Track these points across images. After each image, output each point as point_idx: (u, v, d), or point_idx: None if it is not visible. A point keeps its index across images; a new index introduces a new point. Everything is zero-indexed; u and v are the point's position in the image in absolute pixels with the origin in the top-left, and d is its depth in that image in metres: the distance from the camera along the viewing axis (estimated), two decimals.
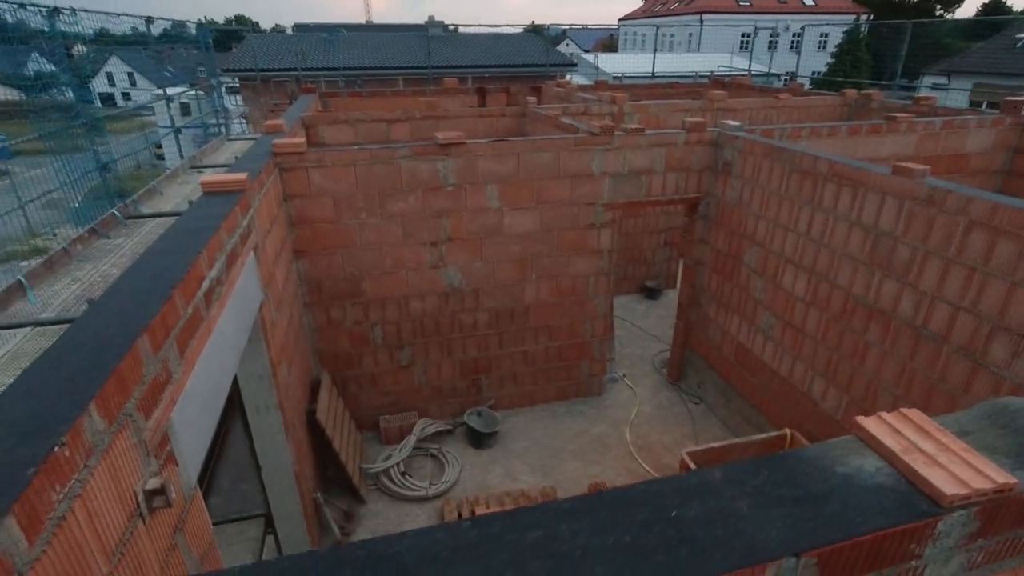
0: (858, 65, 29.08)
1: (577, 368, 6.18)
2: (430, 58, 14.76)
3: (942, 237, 3.44)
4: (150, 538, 1.53)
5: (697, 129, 5.29)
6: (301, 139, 4.46)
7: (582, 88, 9.75)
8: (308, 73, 15.42)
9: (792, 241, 4.67)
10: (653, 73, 17.91)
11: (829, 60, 33.15)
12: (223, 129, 10.63)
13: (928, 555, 1.14)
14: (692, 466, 4.42)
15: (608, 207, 5.36)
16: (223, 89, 12.75)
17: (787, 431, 4.73)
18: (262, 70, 15.28)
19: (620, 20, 48.00)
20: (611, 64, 22.45)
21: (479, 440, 5.72)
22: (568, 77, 18.43)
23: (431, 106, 6.99)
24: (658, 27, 21.02)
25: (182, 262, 2.19)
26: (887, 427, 1.26)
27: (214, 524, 4.74)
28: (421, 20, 21.47)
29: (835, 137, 5.59)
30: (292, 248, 4.74)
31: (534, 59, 18.00)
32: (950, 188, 3.38)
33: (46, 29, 5.31)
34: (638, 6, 54.32)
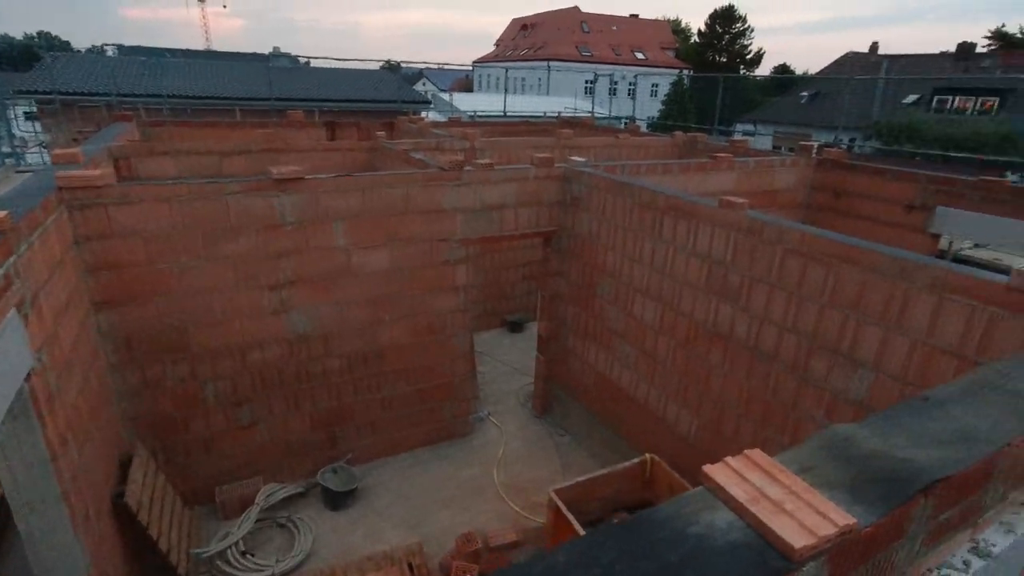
0: (684, 112, 32.79)
1: (441, 410, 5.90)
2: (272, 89, 13.80)
3: (764, 264, 3.75)
4: None
5: (546, 165, 5.40)
6: (99, 171, 3.79)
7: (436, 125, 9.73)
8: (125, 99, 13.65)
9: (640, 271, 4.88)
10: (505, 112, 18.58)
11: (661, 107, 37.08)
12: (14, 160, 8.97)
13: None
14: (560, 504, 4.33)
15: (463, 243, 5.24)
16: (17, 114, 10.86)
17: (647, 456, 4.84)
18: (64, 93, 13.20)
19: (474, 62, 49.84)
20: (466, 103, 23.02)
21: (336, 501, 5.18)
22: (424, 114, 18.49)
23: (271, 139, 6.47)
24: (507, 70, 22.03)
25: None
26: (734, 474, 1.18)
27: None
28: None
29: (670, 174, 6.03)
30: (90, 299, 3.97)
31: (388, 95, 17.80)
32: (767, 220, 3.71)
33: None
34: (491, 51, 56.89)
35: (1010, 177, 10.93)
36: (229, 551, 4.50)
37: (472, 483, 5.64)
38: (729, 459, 1.22)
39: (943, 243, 6.38)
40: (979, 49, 31.51)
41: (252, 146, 6.40)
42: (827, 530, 1.05)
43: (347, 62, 16.96)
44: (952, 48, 30.13)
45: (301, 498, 5.29)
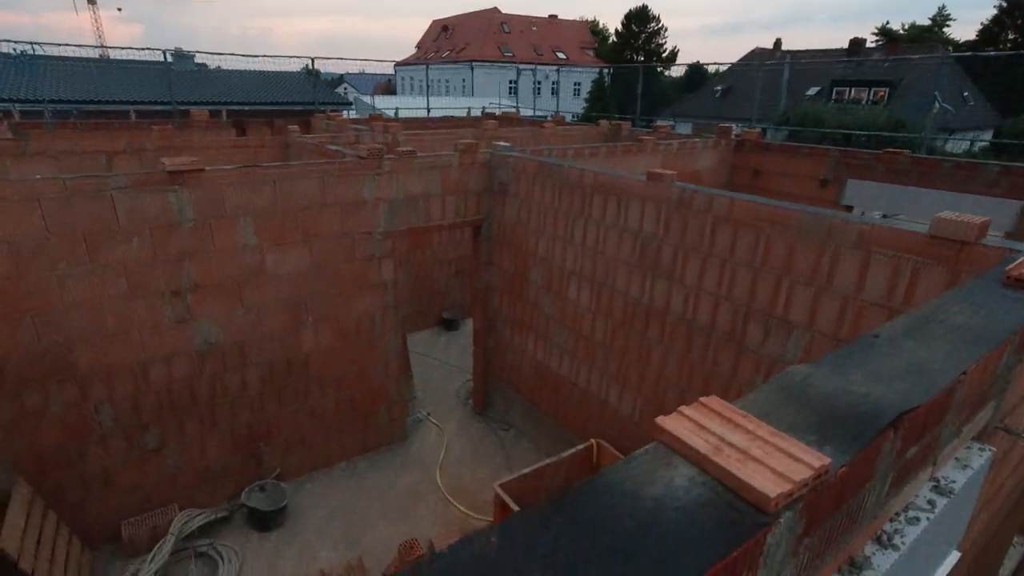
0: (607, 108, 33.53)
1: (375, 416, 5.56)
2: (173, 92, 12.65)
3: (696, 235, 3.70)
4: None
5: (470, 151, 5.19)
6: None
7: (355, 121, 9.32)
8: None
9: (572, 254, 4.75)
10: (428, 111, 18.22)
11: (584, 104, 37.77)
12: None
13: None
14: (506, 499, 4.13)
15: (387, 235, 4.94)
16: None
17: (593, 442, 4.72)
18: None
19: (396, 65, 48.91)
20: (388, 104, 22.44)
21: (264, 521, 4.77)
22: (344, 114, 17.82)
23: (168, 136, 5.89)
24: (428, 68, 21.62)
25: None
26: (691, 423, 1.02)
27: None
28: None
29: (596, 157, 5.97)
30: None
31: (305, 97, 17.02)
32: (696, 189, 3.66)
33: None
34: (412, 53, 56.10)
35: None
36: None
37: (412, 489, 5.35)
38: (684, 408, 1.05)
39: (856, 214, 6.67)
40: (869, 44, 34.09)
41: (147, 145, 5.82)
42: (802, 474, 0.89)
43: (258, 59, 15.66)
44: (845, 44, 32.43)
45: (225, 523, 4.83)
